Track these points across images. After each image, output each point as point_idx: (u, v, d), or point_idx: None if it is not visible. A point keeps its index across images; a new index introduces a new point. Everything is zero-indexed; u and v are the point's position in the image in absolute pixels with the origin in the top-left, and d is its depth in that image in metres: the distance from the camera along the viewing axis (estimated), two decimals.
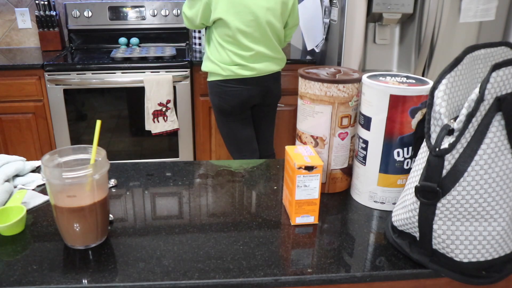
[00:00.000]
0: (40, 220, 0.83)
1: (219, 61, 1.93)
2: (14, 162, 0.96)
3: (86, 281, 0.66)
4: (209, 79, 2.02)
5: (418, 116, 0.80)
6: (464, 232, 0.65)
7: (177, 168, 1.07)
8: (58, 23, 2.73)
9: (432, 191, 0.64)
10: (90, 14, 2.76)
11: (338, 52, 2.08)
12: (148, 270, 0.69)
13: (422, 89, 0.79)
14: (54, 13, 2.69)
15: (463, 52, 0.65)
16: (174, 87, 2.42)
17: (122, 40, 2.81)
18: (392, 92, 0.79)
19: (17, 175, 0.97)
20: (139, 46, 2.83)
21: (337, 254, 0.74)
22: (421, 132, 0.80)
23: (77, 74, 2.35)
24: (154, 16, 2.83)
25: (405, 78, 0.85)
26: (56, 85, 2.36)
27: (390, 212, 0.85)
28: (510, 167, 0.63)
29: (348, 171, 0.95)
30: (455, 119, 0.65)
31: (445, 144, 0.63)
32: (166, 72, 2.40)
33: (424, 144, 0.70)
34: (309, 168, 0.79)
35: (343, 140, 0.91)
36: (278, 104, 2.25)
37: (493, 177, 0.62)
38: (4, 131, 2.44)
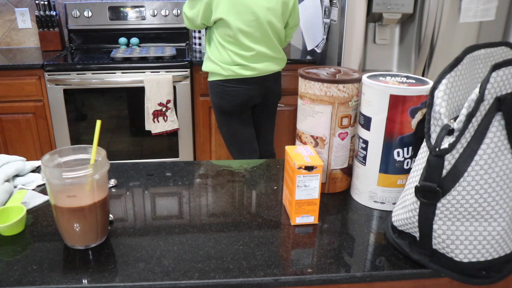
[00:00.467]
0: (40, 220, 0.83)
1: (220, 61, 1.93)
2: (14, 162, 0.96)
3: (86, 281, 0.66)
4: (210, 79, 2.02)
5: (418, 116, 0.80)
6: (464, 232, 0.65)
7: (177, 168, 1.07)
8: (58, 23, 2.74)
9: (432, 191, 0.64)
10: (90, 14, 2.76)
11: (338, 52, 2.08)
12: (148, 270, 0.69)
13: (422, 89, 0.79)
14: (54, 13, 2.69)
15: (463, 52, 0.65)
16: (174, 87, 2.42)
17: (122, 40, 2.81)
18: (392, 92, 0.79)
19: (17, 175, 0.97)
20: (139, 46, 2.83)
21: (337, 254, 0.74)
22: (421, 132, 0.80)
23: (77, 74, 2.35)
24: (154, 16, 2.83)
25: (405, 78, 0.85)
26: (56, 85, 2.36)
27: (390, 212, 0.85)
28: (510, 167, 0.63)
29: (348, 171, 0.95)
30: (455, 119, 0.65)
31: (445, 144, 0.63)
32: (166, 72, 2.40)
33: (424, 144, 0.70)
34: (309, 168, 0.79)
35: (343, 140, 0.91)
36: (278, 104, 2.26)
37: (493, 177, 0.62)
38: (4, 131, 2.45)
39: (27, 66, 2.34)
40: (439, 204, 0.65)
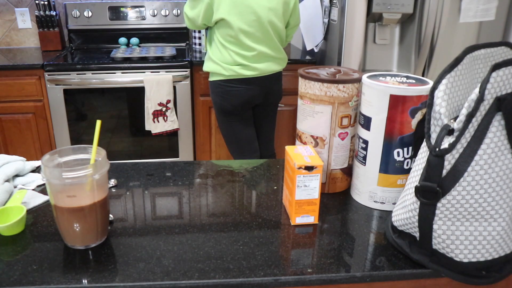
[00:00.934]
0: (40, 220, 0.83)
1: (221, 61, 1.93)
2: (14, 162, 0.96)
3: (86, 281, 0.66)
4: (211, 79, 2.02)
5: (418, 116, 0.80)
6: (464, 232, 0.65)
7: (177, 168, 1.07)
8: (58, 23, 2.73)
9: (432, 191, 0.64)
10: (90, 14, 2.76)
11: (338, 52, 2.08)
12: (148, 270, 0.69)
13: (422, 89, 0.79)
14: (54, 13, 2.69)
15: (463, 52, 0.65)
16: (174, 87, 2.42)
17: (122, 40, 2.81)
18: (392, 92, 0.79)
19: (17, 175, 0.97)
20: (139, 46, 2.83)
21: (337, 254, 0.74)
22: (421, 132, 0.80)
23: (77, 74, 2.35)
24: (154, 16, 2.83)
25: (405, 78, 0.85)
26: (56, 85, 2.36)
27: (390, 212, 0.85)
28: (510, 167, 0.63)
29: (348, 171, 0.95)
30: (455, 119, 0.65)
31: (445, 144, 0.63)
32: (166, 72, 2.40)
33: (424, 144, 0.70)
34: (309, 168, 0.79)
35: (343, 140, 0.91)
36: (279, 104, 2.26)
37: (493, 177, 0.62)
38: (4, 131, 2.45)
39: (27, 66, 2.34)
40: (439, 204, 0.65)
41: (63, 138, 2.48)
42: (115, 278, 0.67)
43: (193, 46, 2.82)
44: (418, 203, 0.67)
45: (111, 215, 0.84)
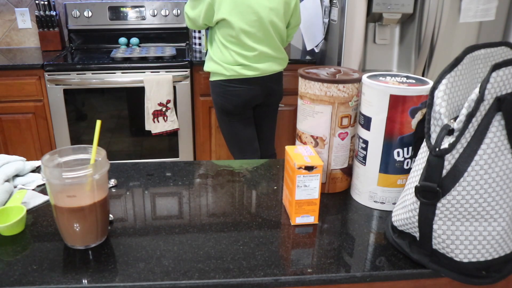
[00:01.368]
0: (40, 220, 0.83)
1: (222, 61, 1.93)
2: (14, 162, 0.96)
3: (86, 281, 0.66)
4: (212, 79, 2.02)
5: (418, 116, 0.80)
6: (464, 232, 0.65)
7: (177, 168, 1.07)
8: (58, 23, 2.73)
9: (432, 191, 0.64)
10: (90, 14, 2.76)
11: (338, 52, 2.08)
12: (148, 270, 0.69)
13: (422, 89, 0.79)
14: (54, 13, 2.69)
15: (463, 52, 0.65)
16: (174, 87, 2.42)
17: (122, 40, 2.81)
18: (392, 92, 0.79)
19: (17, 175, 0.97)
20: (139, 46, 2.83)
21: (337, 254, 0.74)
22: (421, 132, 0.80)
23: (77, 74, 2.35)
24: (154, 16, 2.83)
25: (405, 78, 0.85)
26: (56, 85, 2.36)
27: (390, 212, 0.85)
28: (510, 167, 0.63)
29: (348, 171, 0.95)
30: (455, 119, 0.65)
31: (445, 144, 0.63)
32: (166, 72, 2.40)
33: (424, 144, 0.70)
34: (309, 168, 0.79)
35: (343, 140, 0.91)
36: (279, 104, 2.26)
37: (493, 177, 0.62)
38: (4, 131, 2.44)
39: (27, 66, 2.34)
40: (439, 204, 0.65)
41: (63, 138, 2.48)
42: (115, 278, 0.67)
43: (193, 46, 2.82)
44: (418, 203, 0.67)
45: (111, 215, 0.84)
